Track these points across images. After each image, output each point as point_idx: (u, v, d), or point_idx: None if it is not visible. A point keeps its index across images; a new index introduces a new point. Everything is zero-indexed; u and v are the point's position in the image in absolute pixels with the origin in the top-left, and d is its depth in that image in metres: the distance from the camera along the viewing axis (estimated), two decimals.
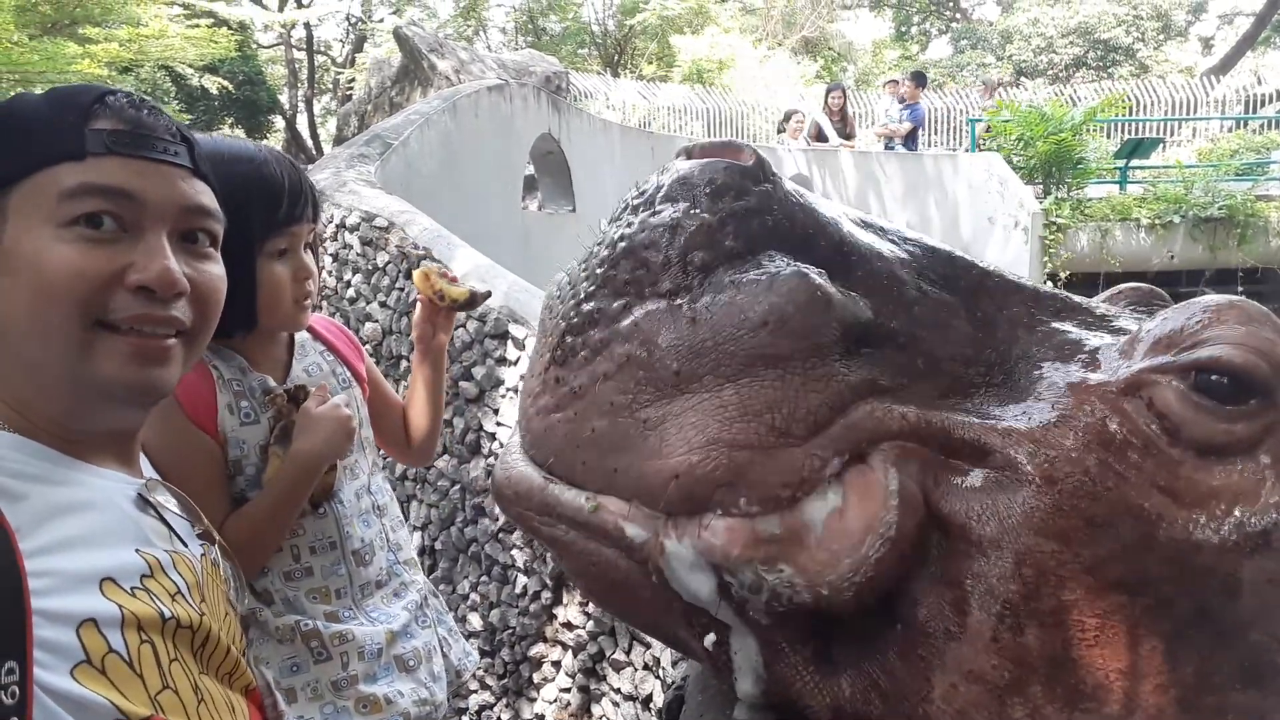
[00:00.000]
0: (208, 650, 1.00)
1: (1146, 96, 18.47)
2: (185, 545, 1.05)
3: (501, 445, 4.16)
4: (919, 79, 13.31)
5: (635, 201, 0.89)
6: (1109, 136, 15.27)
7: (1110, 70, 23.73)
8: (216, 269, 1.06)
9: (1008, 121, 11.76)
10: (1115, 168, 12.50)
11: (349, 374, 1.75)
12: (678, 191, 0.86)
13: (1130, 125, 16.30)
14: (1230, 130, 16.52)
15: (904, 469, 0.81)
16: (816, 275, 0.81)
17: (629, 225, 0.87)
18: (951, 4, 30.92)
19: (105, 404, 0.98)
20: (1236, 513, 0.76)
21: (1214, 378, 0.77)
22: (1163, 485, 0.77)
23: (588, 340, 0.85)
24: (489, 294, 1.93)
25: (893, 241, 0.91)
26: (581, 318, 0.86)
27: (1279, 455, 0.77)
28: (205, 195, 1.04)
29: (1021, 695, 0.77)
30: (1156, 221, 10.46)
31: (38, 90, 1.06)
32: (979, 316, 0.89)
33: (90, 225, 0.94)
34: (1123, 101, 14.62)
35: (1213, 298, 0.81)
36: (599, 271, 0.87)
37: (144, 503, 1.02)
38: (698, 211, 0.85)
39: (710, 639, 0.87)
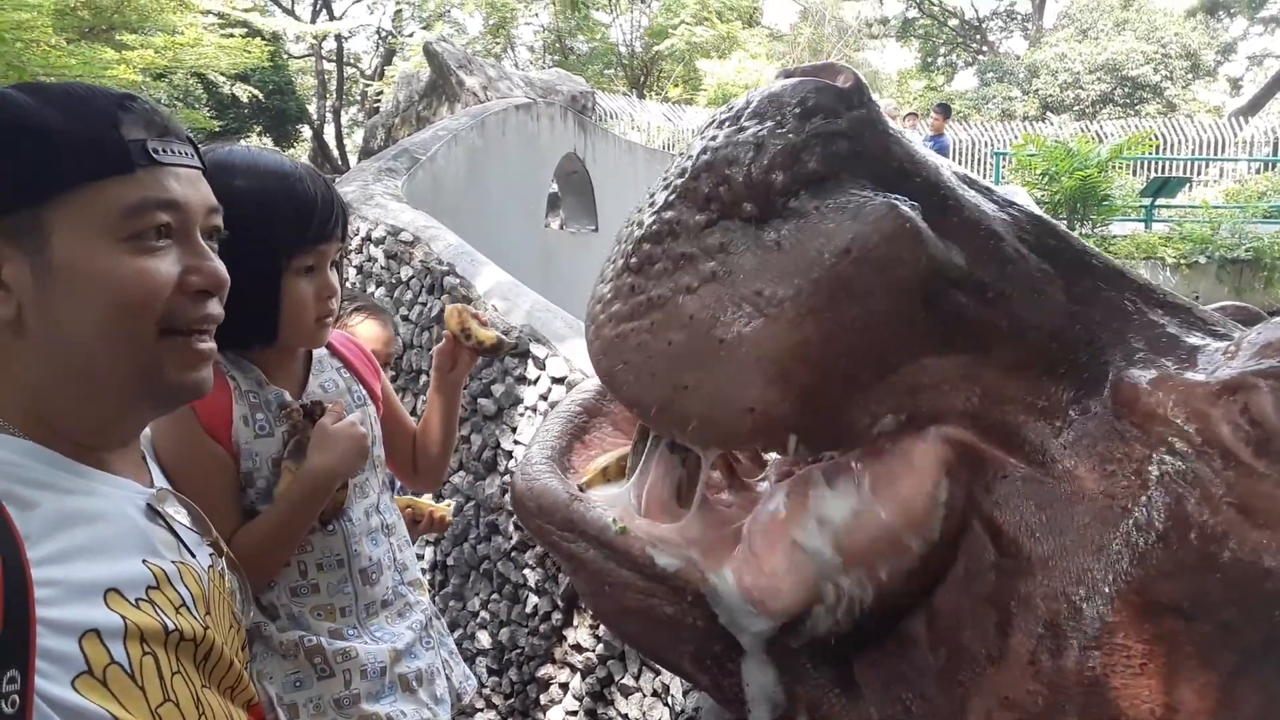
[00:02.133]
0: (210, 663, 0.99)
1: (1174, 135, 18.40)
2: (193, 556, 1.05)
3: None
4: (944, 110, 13.31)
5: (723, 117, 0.86)
6: (1135, 174, 15.22)
7: (1137, 108, 23.65)
8: (222, 264, 1.09)
9: (1033, 156, 11.74)
10: (1141, 206, 12.44)
11: (364, 392, 1.75)
12: (766, 109, 0.82)
13: (1157, 164, 16.24)
14: (1258, 171, 16.43)
15: (956, 477, 0.78)
16: (908, 207, 0.77)
17: (712, 139, 0.84)
18: (978, 37, 31.00)
19: (156, 408, 1.02)
20: None
21: None
22: (1236, 501, 0.72)
23: (668, 250, 0.82)
24: (515, 346, 1.95)
25: (995, 201, 0.86)
26: (661, 225, 0.83)
27: None
28: (212, 194, 1.07)
29: None
30: (1182, 261, 10.40)
31: None
32: (1076, 292, 0.83)
33: (152, 237, 0.96)
34: (1150, 139, 14.55)
35: None
36: (678, 183, 0.84)
37: (153, 513, 1.02)
38: (783, 131, 0.80)
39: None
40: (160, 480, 1.11)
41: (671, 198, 0.84)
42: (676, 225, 0.82)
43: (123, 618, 0.88)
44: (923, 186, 0.82)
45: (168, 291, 0.96)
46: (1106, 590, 0.72)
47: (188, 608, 0.98)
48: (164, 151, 0.98)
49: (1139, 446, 0.75)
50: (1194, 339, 0.82)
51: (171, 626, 0.93)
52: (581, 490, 0.96)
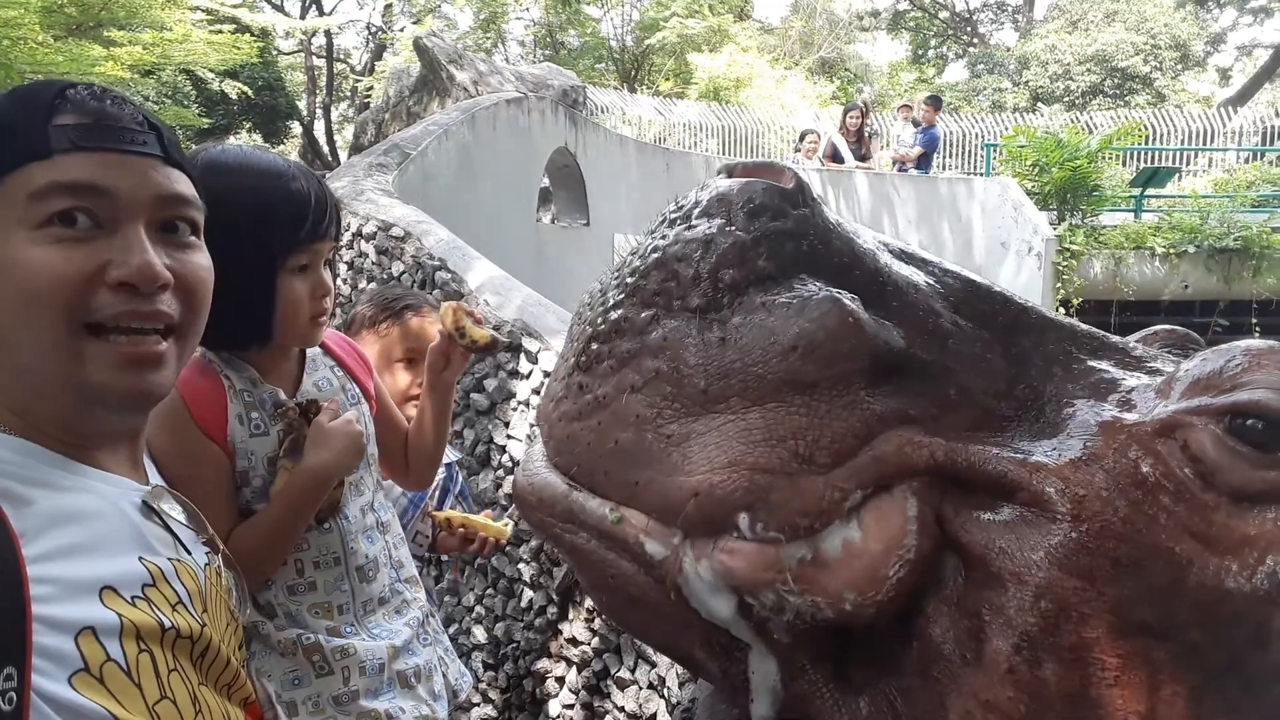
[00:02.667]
0: (207, 661, 0.99)
1: (1163, 125, 18.45)
2: (189, 553, 1.04)
3: (512, 458, 4.15)
4: (935, 102, 13.33)
5: (672, 215, 0.89)
6: (1125, 165, 15.26)
7: (1127, 99, 23.71)
8: (200, 258, 1.03)
9: (1024, 147, 11.76)
10: (1130, 196, 12.48)
11: (358, 390, 1.75)
12: (715, 208, 0.86)
13: (1146, 154, 16.28)
14: (1247, 161, 16.49)
15: (924, 497, 0.81)
16: (849, 301, 0.81)
17: (663, 238, 0.87)
18: (969, 28, 31.00)
19: (101, 409, 0.96)
20: (1270, 561, 0.75)
21: (1250, 422, 0.75)
22: (1195, 530, 0.76)
23: (614, 349, 0.85)
24: (509, 345, 1.95)
25: (932, 274, 0.91)
26: (608, 325, 0.86)
27: None
28: (180, 183, 1.01)
29: None
30: (1171, 251, 10.42)
31: None
32: (1014, 352, 0.88)
33: (64, 224, 0.92)
34: (1139, 130, 14.60)
35: (1253, 342, 0.80)
36: (629, 281, 0.87)
37: (149, 509, 1.01)
38: (732, 229, 0.84)
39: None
40: (156, 478, 1.10)
41: (620, 296, 0.87)
42: (623, 323, 0.85)
43: (119, 615, 0.87)
44: (863, 278, 0.86)
45: (77, 283, 0.91)
46: (1082, 610, 0.76)
47: (184, 605, 0.97)
48: (94, 136, 0.94)
49: (1101, 477, 0.79)
50: (1131, 379, 0.87)
51: (168, 624, 0.92)
52: None
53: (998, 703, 0.77)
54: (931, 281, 0.90)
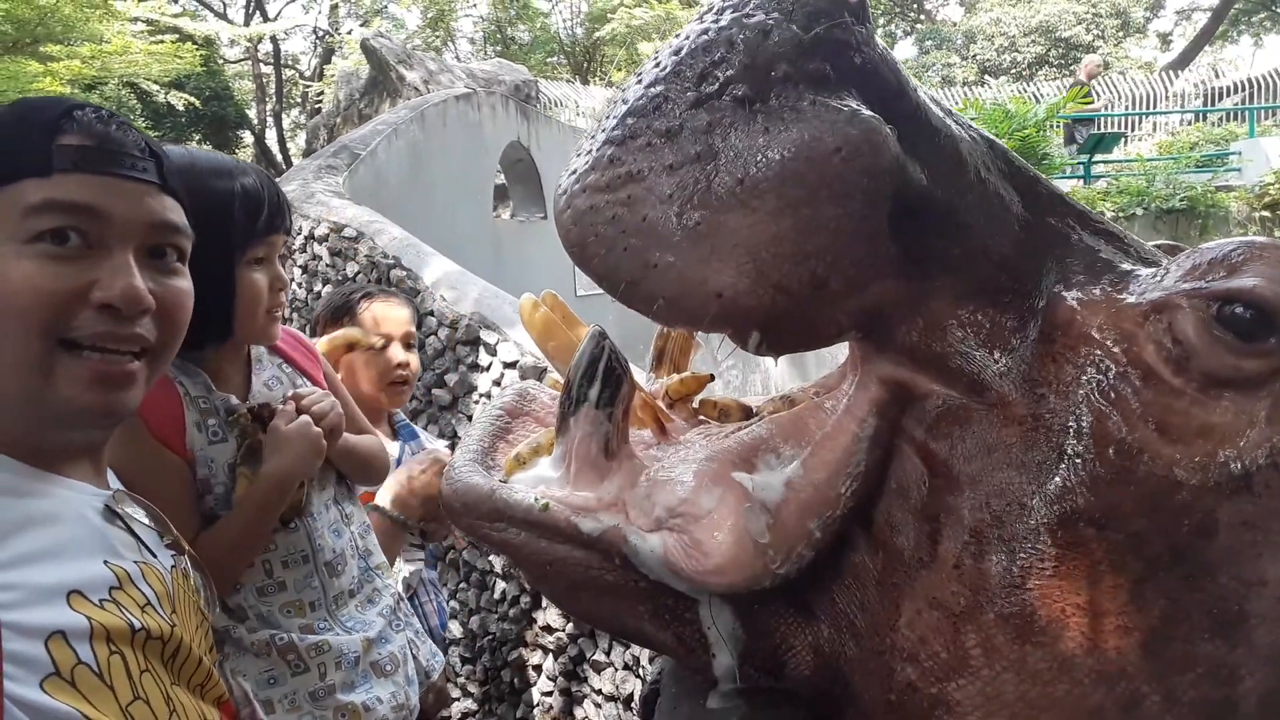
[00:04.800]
0: (179, 661, 0.99)
1: (1108, 92, 18.75)
2: (154, 556, 1.04)
3: None
4: None
5: (725, 4, 0.83)
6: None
7: (1072, 68, 24.04)
8: (183, 284, 1.05)
9: (974, 119, 11.91)
10: (1079, 162, 12.68)
11: (309, 383, 1.75)
12: (773, 2, 0.81)
13: (1093, 120, 16.55)
14: (1190, 123, 16.82)
15: (883, 412, 0.82)
16: (891, 130, 0.79)
17: (715, 21, 0.82)
18: (916, 5, 31.24)
19: (66, 425, 0.97)
20: (1222, 452, 0.74)
21: (1239, 310, 0.74)
22: (1153, 418, 0.76)
23: (652, 125, 0.80)
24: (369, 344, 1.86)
25: (960, 125, 0.88)
26: (649, 100, 0.81)
27: (1278, 398, 0.75)
28: (174, 212, 1.03)
29: (975, 623, 0.77)
30: (1120, 214, 10.62)
31: None
32: (1026, 218, 0.86)
33: (55, 242, 0.93)
34: (1085, 97, 14.83)
35: (1257, 238, 0.80)
36: (670, 60, 0.82)
37: (111, 514, 1.01)
38: (792, 25, 0.79)
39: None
40: (117, 485, 1.10)
41: (662, 74, 0.82)
42: (664, 102, 0.80)
43: (88, 618, 0.87)
44: (904, 110, 0.82)
45: (59, 300, 0.92)
46: (1027, 502, 0.77)
47: (153, 606, 0.97)
48: (95, 159, 0.96)
49: (1068, 368, 0.79)
50: (1127, 264, 0.86)
51: (138, 625, 0.93)
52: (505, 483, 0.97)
53: (943, 599, 0.78)
54: (962, 131, 0.87)
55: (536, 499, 0.90)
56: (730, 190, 0.77)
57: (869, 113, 0.78)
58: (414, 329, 2.49)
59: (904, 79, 0.84)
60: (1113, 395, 0.77)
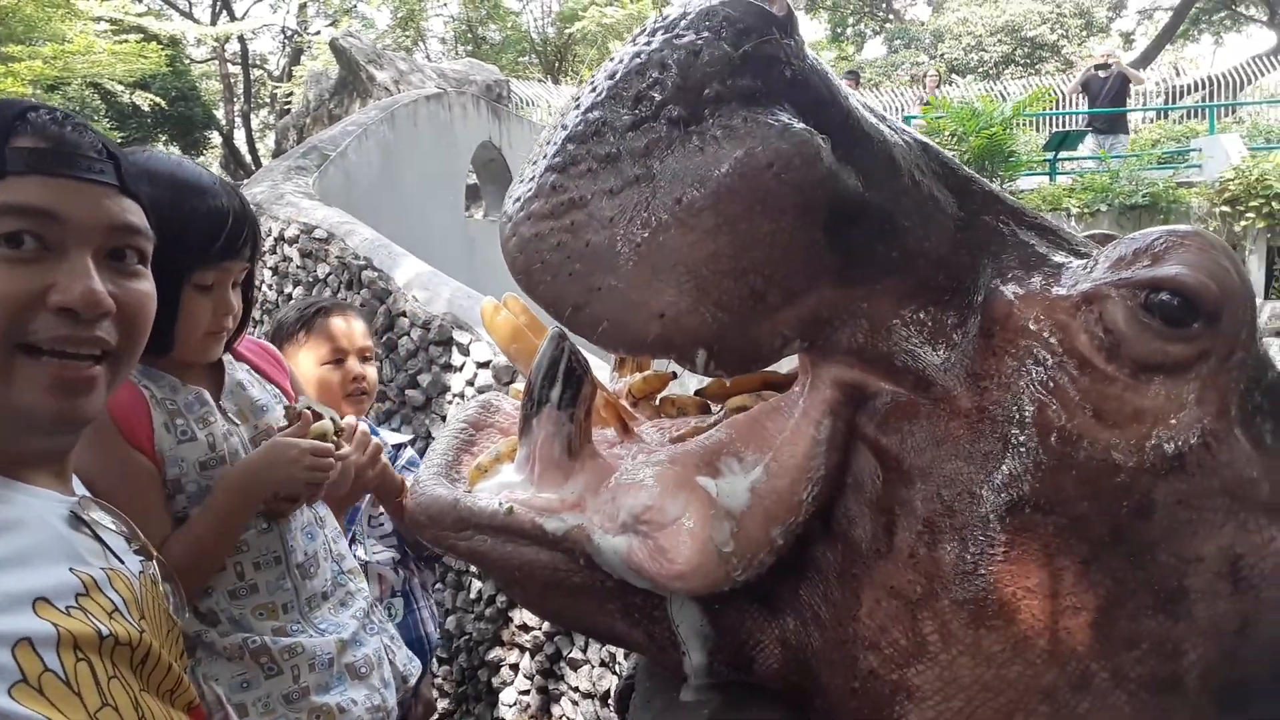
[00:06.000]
0: (148, 667, 0.99)
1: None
2: (121, 562, 1.04)
3: None
4: (854, 77, 13.58)
5: (656, 26, 0.86)
6: (1038, 130, 15.72)
7: (1037, 66, 24.43)
8: (144, 286, 1.04)
9: (941, 118, 12.04)
10: (1045, 160, 12.87)
11: (276, 389, 1.75)
12: (702, 22, 0.83)
13: (1058, 118, 16.79)
14: (1152, 121, 17.11)
15: (838, 411, 0.84)
16: (823, 141, 0.81)
17: (647, 44, 0.84)
18: (884, 5, 31.49)
19: (27, 431, 0.96)
20: (1156, 434, 0.78)
21: (1165, 297, 0.78)
22: (1090, 405, 0.79)
23: (592, 150, 0.82)
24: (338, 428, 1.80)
25: (892, 129, 0.90)
26: (587, 126, 0.83)
27: (1205, 381, 0.78)
28: (133, 213, 1.02)
29: (931, 609, 0.80)
30: (1085, 210, 10.80)
31: None
32: (961, 217, 0.89)
33: (10, 245, 0.92)
34: (1050, 95, 15.06)
35: (1176, 226, 0.83)
36: (606, 84, 0.84)
37: (77, 520, 1.00)
38: (721, 43, 0.82)
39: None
40: (83, 491, 1.09)
41: (599, 98, 0.84)
42: (602, 126, 0.82)
43: (54, 625, 0.87)
44: (835, 119, 0.85)
45: (16, 304, 0.92)
46: (976, 491, 0.80)
47: (120, 613, 0.97)
48: (50, 161, 0.95)
49: (1009, 360, 0.82)
50: (1059, 257, 0.89)
51: (106, 632, 0.92)
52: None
53: (900, 588, 0.81)
54: (895, 136, 0.89)
55: (501, 504, 0.90)
56: (669, 210, 0.79)
57: (801, 125, 0.80)
58: (370, 343, 2.50)
59: (835, 88, 0.87)
60: (1051, 384, 0.80)
